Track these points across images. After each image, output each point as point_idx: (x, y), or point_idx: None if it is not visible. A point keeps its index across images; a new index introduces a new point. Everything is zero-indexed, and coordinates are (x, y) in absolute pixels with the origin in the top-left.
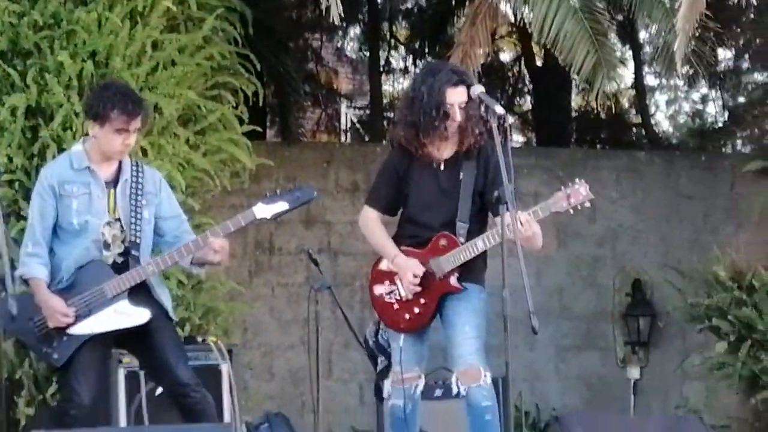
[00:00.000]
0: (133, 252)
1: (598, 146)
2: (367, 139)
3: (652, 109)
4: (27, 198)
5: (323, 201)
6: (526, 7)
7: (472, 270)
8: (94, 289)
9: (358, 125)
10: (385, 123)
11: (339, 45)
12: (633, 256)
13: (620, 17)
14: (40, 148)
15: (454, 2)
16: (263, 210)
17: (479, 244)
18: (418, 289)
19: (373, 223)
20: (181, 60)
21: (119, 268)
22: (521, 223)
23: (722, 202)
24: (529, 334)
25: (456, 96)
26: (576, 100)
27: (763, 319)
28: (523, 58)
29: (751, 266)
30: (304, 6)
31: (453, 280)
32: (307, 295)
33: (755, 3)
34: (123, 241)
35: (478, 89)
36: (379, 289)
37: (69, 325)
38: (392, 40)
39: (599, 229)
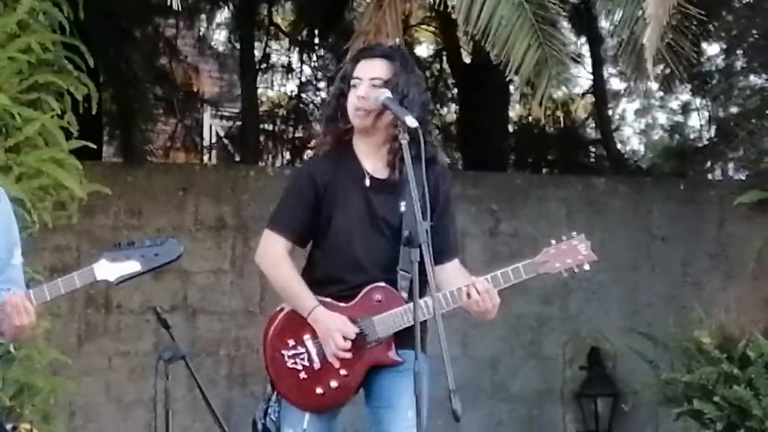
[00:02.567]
0: None
1: (545, 170)
2: (238, 159)
3: (617, 122)
4: None
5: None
6: None
7: (413, 334)
8: None
9: (226, 141)
10: (262, 138)
11: (201, 34)
12: (590, 317)
13: (575, 0)
14: None
15: None
16: (107, 269)
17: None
18: (348, 356)
19: (281, 260)
20: None
21: None
22: (478, 293)
23: (707, 245)
24: (451, 419)
25: (367, 70)
26: (516, 110)
27: (760, 400)
28: (445, 54)
29: (745, 331)
30: None
31: (390, 350)
32: (154, 368)
33: None
34: None
35: (383, 94)
36: (281, 351)
37: None
38: (272, 29)
39: (545, 281)
